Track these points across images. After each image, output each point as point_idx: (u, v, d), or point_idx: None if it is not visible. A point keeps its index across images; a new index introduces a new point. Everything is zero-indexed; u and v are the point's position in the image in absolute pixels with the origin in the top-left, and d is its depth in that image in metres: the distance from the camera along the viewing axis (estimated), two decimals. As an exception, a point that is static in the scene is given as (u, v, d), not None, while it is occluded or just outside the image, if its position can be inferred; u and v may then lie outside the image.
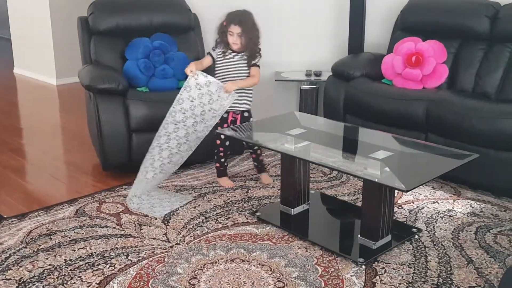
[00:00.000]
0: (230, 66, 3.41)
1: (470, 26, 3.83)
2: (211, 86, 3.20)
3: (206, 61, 3.45)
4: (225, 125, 3.44)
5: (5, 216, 3.07)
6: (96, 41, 4.03)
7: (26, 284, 2.40)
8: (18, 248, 2.70)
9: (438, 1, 4.07)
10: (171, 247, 2.72)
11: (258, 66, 3.45)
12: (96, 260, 2.59)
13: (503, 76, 3.64)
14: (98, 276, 2.46)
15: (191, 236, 2.82)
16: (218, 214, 3.09)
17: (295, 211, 3.08)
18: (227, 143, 3.47)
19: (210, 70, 3.43)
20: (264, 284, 2.39)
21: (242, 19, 3.32)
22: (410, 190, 2.34)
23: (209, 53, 3.47)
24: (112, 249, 2.69)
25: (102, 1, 4.20)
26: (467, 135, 3.28)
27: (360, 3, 4.33)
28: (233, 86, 3.25)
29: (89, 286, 2.39)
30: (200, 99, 3.18)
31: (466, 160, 2.67)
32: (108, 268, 2.52)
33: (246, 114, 3.49)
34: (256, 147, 3.52)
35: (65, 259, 2.60)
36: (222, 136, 3.41)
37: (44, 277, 2.45)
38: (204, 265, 2.55)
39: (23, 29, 7.16)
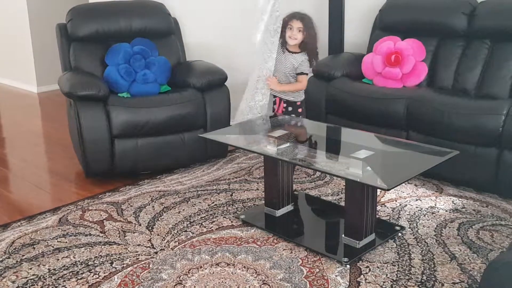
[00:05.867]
0: (280, 64, 3.47)
1: (447, 24, 3.87)
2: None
3: None
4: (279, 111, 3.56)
5: (-13, 227, 3.05)
6: (75, 47, 4.01)
7: (9, 295, 2.38)
8: (1, 259, 2.68)
9: (415, 0, 4.10)
10: (156, 253, 2.71)
11: (306, 74, 3.52)
12: (80, 269, 2.57)
13: (482, 73, 3.67)
14: (83, 284, 2.44)
15: (175, 241, 2.82)
16: (203, 218, 3.09)
17: (279, 212, 3.08)
18: None
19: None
20: (249, 287, 2.39)
21: (305, 17, 3.38)
22: (392, 188, 2.36)
23: None
24: (96, 257, 2.68)
25: (81, 7, 4.19)
26: (448, 132, 3.31)
27: (338, 4, 4.35)
28: (275, 86, 3.43)
29: (74, 295, 2.38)
30: None
31: (447, 157, 2.69)
32: (93, 276, 2.51)
33: (290, 108, 3.57)
34: None
35: (48, 269, 2.58)
36: None
37: (27, 288, 2.43)
38: (189, 270, 2.54)
39: (2, 38, 7.09)
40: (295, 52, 3.49)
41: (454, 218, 3.02)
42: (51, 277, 2.51)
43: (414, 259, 2.60)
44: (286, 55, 3.49)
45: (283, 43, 3.48)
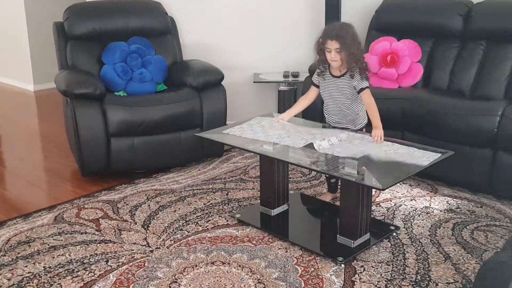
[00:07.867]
0: (332, 89, 3.05)
1: (443, 25, 3.88)
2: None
3: (312, 93, 3.16)
4: None
5: (-17, 225, 3.05)
6: (72, 46, 4.01)
7: (5, 293, 2.39)
8: (-4, 257, 2.69)
9: (412, 1, 4.12)
10: (151, 251, 2.71)
11: (368, 87, 3.01)
12: (75, 267, 2.58)
13: (477, 74, 3.69)
14: (78, 282, 2.45)
15: (171, 240, 2.83)
16: (198, 217, 3.09)
17: (275, 212, 3.09)
18: None
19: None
20: (244, 286, 2.40)
21: (340, 34, 2.91)
22: (386, 188, 2.37)
23: (312, 82, 3.16)
24: (91, 255, 2.68)
25: (78, 6, 4.19)
26: (443, 133, 3.33)
27: (335, 4, 4.35)
28: (381, 131, 2.94)
29: (69, 293, 2.38)
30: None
31: (442, 157, 2.70)
32: (88, 274, 2.51)
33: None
34: None
35: (44, 267, 2.58)
36: None
37: (23, 285, 2.43)
38: (185, 268, 2.55)
39: (-1, 35, 7.10)
40: (344, 73, 3.02)
41: (448, 218, 3.03)
42: (46, 275, 2.51)
43: (408, 259, 2.62)
44: (336, 80, 3.04)
45: (325, 66, 3.07)
